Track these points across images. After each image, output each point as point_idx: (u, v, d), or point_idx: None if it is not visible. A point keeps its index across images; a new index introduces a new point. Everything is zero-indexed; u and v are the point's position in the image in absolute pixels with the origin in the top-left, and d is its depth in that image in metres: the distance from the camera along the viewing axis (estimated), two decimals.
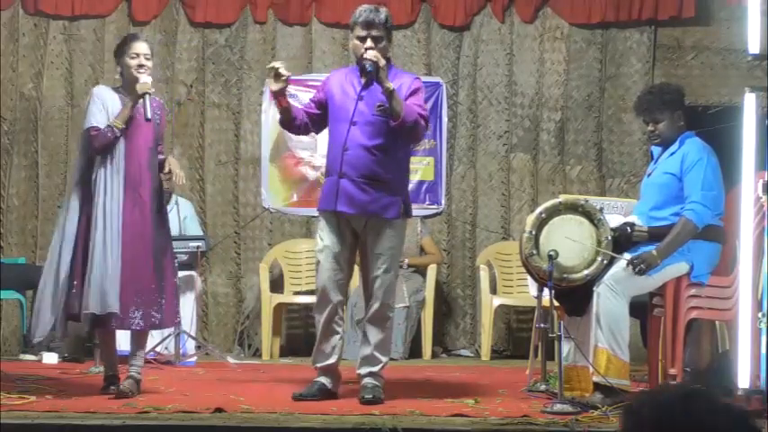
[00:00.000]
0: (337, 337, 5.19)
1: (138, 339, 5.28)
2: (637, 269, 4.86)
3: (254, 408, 4.79)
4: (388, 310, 5.14)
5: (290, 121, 5.20)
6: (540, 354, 5.54)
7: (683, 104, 5.25)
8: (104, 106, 5.16)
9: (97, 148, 5.13)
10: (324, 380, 5.17)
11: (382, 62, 4.99)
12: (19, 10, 7.98)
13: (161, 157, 5.33)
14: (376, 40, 5.06)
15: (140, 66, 5.18)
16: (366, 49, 5.04)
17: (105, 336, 5.36)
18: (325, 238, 5.15)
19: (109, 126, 5.11)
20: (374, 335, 5.14)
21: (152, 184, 5.23)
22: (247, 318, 7.91)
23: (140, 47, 5.23)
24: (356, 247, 5.19)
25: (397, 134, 5.05)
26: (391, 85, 4.98)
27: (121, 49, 5.25)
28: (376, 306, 5.12)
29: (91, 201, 5.12)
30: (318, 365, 5.19)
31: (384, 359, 5.15)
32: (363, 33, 5.07)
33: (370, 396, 4.98)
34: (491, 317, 7.45)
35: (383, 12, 5.15)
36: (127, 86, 5.24)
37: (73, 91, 8.03)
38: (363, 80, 5.09)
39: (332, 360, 5.18)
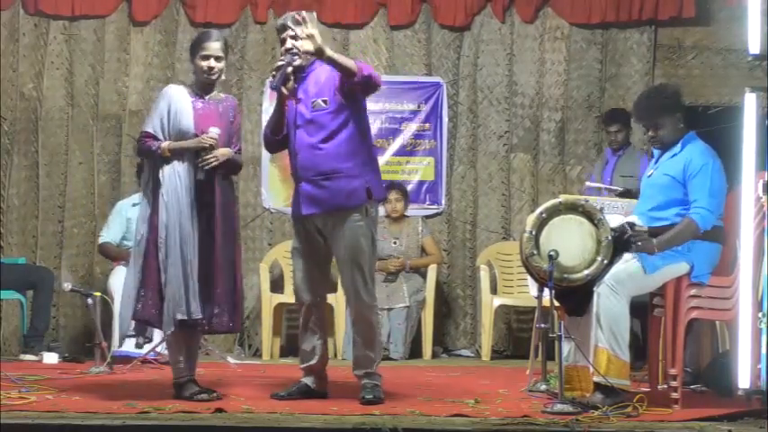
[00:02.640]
0: (316, 337, 5.24)
1: None
2: (633, 242, 4.84)
3: (254, 408, 4.79)
4: (366, 309, 5.11)
5: (281, 127, 5.19)
6: (541, 354, 5.55)
7: (683, 105, 5.23)
8: (169, 107, 5.10)
9: (138, 153, 5.14)
10: (306, 380, 5.24)
11: (297, 62, 5.03)
12: (19, 10, 7.98)
13: (234, 149, 5.27)
14: (294, 38, 5.10)
15: (210, 68, 5.15)
16: (285, 50, 5.09)
17: (194, 337, 5.26)
18: (294, 241, 5.29)
19: (158, 146, 5.06)
20: (360, 335, 5.16)
21: (221, 186, 5.18)
22: (248, 318, 7.92)
23: (211, 47, 5.17)
24: (328, 248, 5.19)
25: (356, 92, 5.02)
26: (326, 50, 4.94)
27: (194, 50, 5.18)
28: (353, 308, 5.14)
29: (160, 203, 5.07)
30: (301, 366, 5.28)
31: (376, 357, 5.15)
32: (283, 35, 5.14)
33: (371, 396, 4.99)
34: (491, 317, 7.45)
35: (299, 13, 5.17)
36: (203, 86, 5.21)
37: (73, 91, 8.03)
38: (272, 84, 5.10)
39: (313, 361, 5.23)
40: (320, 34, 4.99)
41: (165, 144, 5.08)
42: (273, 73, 5.05)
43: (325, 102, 5.06)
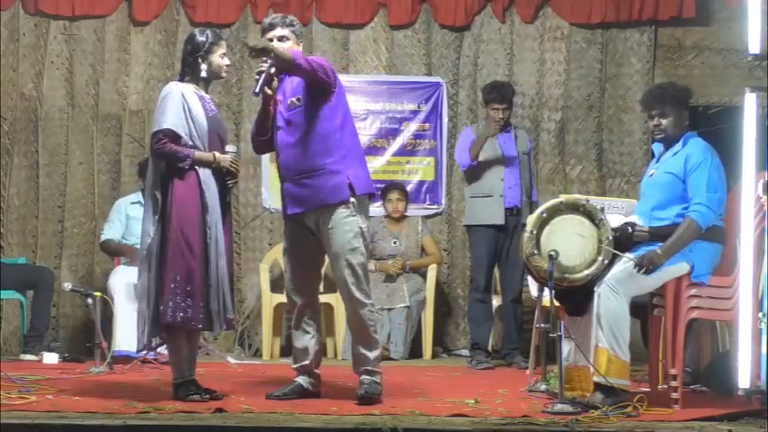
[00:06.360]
0: (308, 337, 5.25)
1: None
2: (643, 270, 4.85)
3: (254, 408, 4.79)
4: (358, 307, 5.08)
5: (266, 128, 5.21)
6: (541, 354, 5.55)
7: (689, 106, 5.25)
8: (184, 105, 5.03)
9: (157, 156, 5.03)
10: (300, 380, 5.25)
11: (270, 46, 4.99)
12: (19, 10, 7.98)
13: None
14: (281, 39, 5.13)
15: (227, 66, 5.22)
16: None
17: (194, 337, 5.23)
18: (285, 242, 5.31)
19: (187, 155, 4.98)
20: (355, 333, 5.17)
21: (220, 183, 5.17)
22: (248, 318, 7.92)
23: (224, 45, 5.23)
24: (319, 248, 5.19)
25: (307, 88, 5.02)
26: (269, 45, 4.97)
27: (210, 48, 5.14)
28: (347, 306, 5.14)
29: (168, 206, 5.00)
30: (293, 366, 5.29)
31: (372, 354, 5.13)
32: (269, 35, 5.16)
33: (363, 392, 5.00)
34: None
35: (288, 16, 5.26)
36: (207, 84, 5.21)
37: (73, 91, 8.03)
38: (254, 88, 5.05)
39: (306, 361, 5.24)
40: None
41: (198, 155, 5.01)
42: (256, 77, 5.02)
43: (298, 100, 5.10)
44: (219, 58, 5.17)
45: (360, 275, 5.06)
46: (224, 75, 5.27)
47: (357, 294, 5.07)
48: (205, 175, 5.04)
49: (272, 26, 5.18)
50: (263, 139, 5.27)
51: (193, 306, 4.94)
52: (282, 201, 5.23)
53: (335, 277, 5.16)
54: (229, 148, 5.21)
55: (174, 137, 5.01)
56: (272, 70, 5.00)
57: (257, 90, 5.00)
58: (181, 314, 4.93)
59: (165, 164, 5.04)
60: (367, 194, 5.19)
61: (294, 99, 5.11)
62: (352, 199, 5.05)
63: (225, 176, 5.12)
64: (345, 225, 5.04)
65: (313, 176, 5.06)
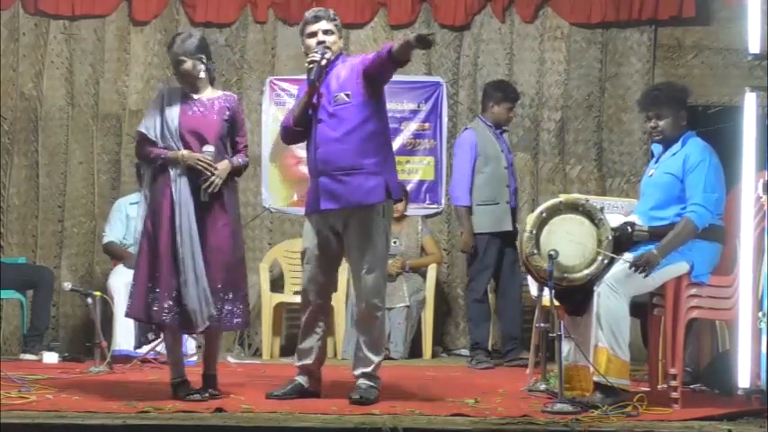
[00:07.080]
0: (316, 338, 5.23)
1: None
2: (639, 270, 4.85)
3: (254, 408, 4.79)
4: (374, 310, 5.07)
5: (306, 119, 5.15)
6: (541, 353, 5.55)
7: (687, 105, 5.24)
8: (162, 107, 5.11)
9: (136, 156, 5.25)
10: (301, 379, 5.24)
11: (328, 55, 5.03)
12: (19, 10, 7.99)
13: (240, 146, 5.29)
14: (327, 33, 5.11)
15: (185, 72, 5.15)
16: (318, 43, 5.08)
17: (212, 337, 5.31)
18: (306, 240, 5.22)
19: (158, 156, 5.07)
20: (363, 335, 5.13)
21: (228, 188, 5.15)
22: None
23: (178, 51, 5.16)
24: (340, 248, 5.17)
25: (367, 86, 5.01)
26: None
27: (169, 56, 5.25)
28: (362, 307, 5.09)
29: (157, 202, 5.07)
30: (296, 365, 5.28)
31: (376, 359, 5.11)
32: (314, 28, 5.13)
33: (357, 396, 4.97)
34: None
35: (330, 10, 5.24)
36: (187, 87, 5.23)
37: (73, 91, 8.04)
38: (309, 77, 5.05)
39: (309, 360, 5.23)
40: None
41: (171, 155, 5.05)
42: (310, 66, 5.03)
43: (347, 95, 5.04)
44: (175, 66, 5.20)
45: (380, 280, 5.06)
46: (185, 80, 5.19)
47: (375, 299, 5.06)
48: (175, 174, 5.06)
49: (317, 18, 5.14)
50: (299, 130, 5.19)
51: (158, 303, 4.97)
52: (312, 195, 5.14)
53: (356, 278, 5.12)
54: (206, 147, 5.12)
55: (147, 138, 5.14)
56: (324, 62, 5.02)
57: (313, 77, 5.01)
58: (145, 311, 4.99)
59: (148, 167, 5.18)
60: (395, 200, 5.20)
61: (343, 94, 5.05)
62: (385, 203, 5.06)
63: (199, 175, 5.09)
64: (375, 228, 5.03)
65: (353, 174, 5.00)
